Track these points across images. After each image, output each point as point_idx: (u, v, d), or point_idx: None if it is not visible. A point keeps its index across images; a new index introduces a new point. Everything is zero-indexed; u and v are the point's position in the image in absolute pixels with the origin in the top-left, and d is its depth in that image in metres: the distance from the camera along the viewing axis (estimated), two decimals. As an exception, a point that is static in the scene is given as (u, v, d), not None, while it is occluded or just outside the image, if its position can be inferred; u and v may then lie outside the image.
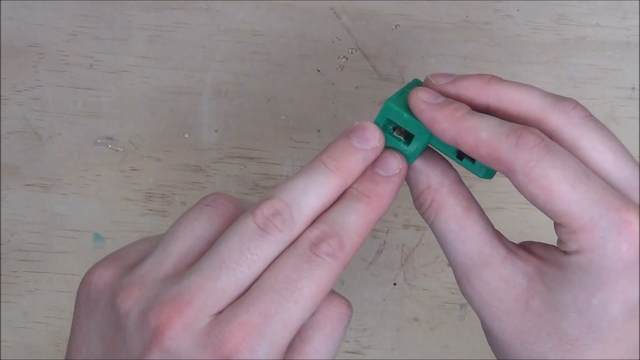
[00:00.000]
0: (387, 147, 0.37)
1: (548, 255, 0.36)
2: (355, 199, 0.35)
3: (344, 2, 0.60)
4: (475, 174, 0.37)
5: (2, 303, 0.59)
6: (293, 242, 0.34)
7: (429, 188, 0.37)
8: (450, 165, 0.38)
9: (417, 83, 0.39)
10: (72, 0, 0.60)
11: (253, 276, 0.34)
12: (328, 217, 0.35)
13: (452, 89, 0.37)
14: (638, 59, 0.59)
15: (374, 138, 0.36)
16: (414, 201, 0.38)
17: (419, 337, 0.58)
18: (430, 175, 0.37)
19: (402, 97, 0.38)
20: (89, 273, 0.36)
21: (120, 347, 0.34)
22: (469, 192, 0.38)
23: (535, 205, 0.34)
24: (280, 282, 0.33)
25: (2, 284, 0.59)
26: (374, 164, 0.37)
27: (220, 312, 0.33)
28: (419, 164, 0.37)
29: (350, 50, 0.60)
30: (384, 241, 0.58)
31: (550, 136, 0.35)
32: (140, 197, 0.59)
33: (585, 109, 0.36)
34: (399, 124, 0.37)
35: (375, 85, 0.59)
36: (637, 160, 0.36)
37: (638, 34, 0.59)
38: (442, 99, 0.36)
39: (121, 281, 0.35)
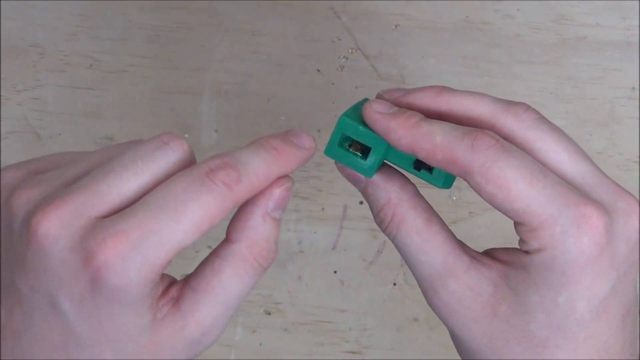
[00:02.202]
0: (341, 164, 0.38)
1: (511, 259, 0.36)
2: (264, 148, 0.36)
3: (344, 2, 0.60)
4: (434, 185, 0.37)
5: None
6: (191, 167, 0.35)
7: (389, 203, 0.37)
8: (408, 179, 0.38)
9: (366, 101, 0.39)
10: (72, 0, 0.60)
11: (139, 187, 0.34)
12: (232, 154, 0.35)
13: (404, 100, 0.37)
14: (638, 59, 0.59)
15: (308, 140, 0.37)
16: (374, 217, 0.38)
17: (419, 337, 0.58)
18: (389, 189, 0.37)
19: (356, 112, 0.38)
20: None
21: (8, 248, 0.34)
22: (428, 204, 0.38)
23: (494, 205, 0.34)
24: (166, 199, 0.33)
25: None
26: (288, 132, 0.37)
27: (101, 219, 0.33)
28: (377, 179, 0.37)
29: (350, 50, 0.60)
30: (384, 241, 0.58)
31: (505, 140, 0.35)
32: (140, 197, 0.60)
33: (536, 112, 0.36)
34: (354, 138, 0.37)
35: (375, 85, 0.59)
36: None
37: (638, 34, 0.59)
38: (395, 108, 0.37)
39: (21, 183, 0.35)
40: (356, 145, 0.37)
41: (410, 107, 0.37)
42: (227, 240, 0.36)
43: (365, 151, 0.37)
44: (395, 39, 0.60)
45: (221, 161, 0.34)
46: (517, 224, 0.35)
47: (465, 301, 0.36)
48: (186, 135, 0.59)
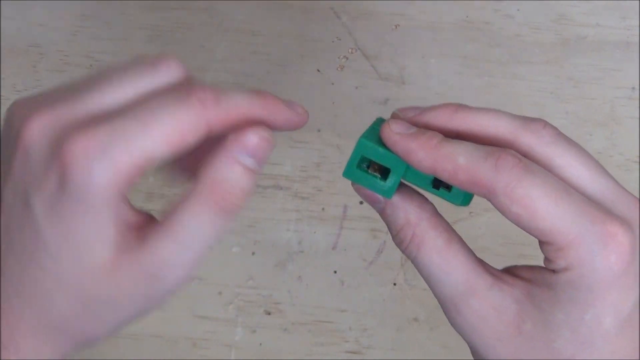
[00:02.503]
0: (359, 185, 0.38)
1: (535, 277, 0.35)
2: (253, 91, 0.36)
3: (344, 2, 0.60)
4: (452, 203, 0.37)
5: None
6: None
7: (409, 223, 0.37)
8: (426, 199, 0.38)
9: (381, 120, 0.39)
10: (72, 0, 0.60)
11: (121, 101, 0.35)
12: (218, 88, 0.35)
13: (421, 120, 0.37)
14: (638, 59, 0.59)
15: (301, 109, 0.37)
16: (393, 238, 0.38)
17: (419, 337, 0.58)
18: (408, 210, 0.37)
19: (373, 133, 0.37)
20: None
21: (3, 154, 0.36)
22: (448, 224, 0.37)
23: (519, 225, 0.34)
24: (141, 109, 0.34)
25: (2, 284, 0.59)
26: (283, 99, 0.37)
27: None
28: (396, 199, 0.37)
29: (350, 50, 0.60)
30: (384, 241, 0.58)
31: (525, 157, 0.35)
32: (140, 197, 0.59)
33: (554, 128, 0.36)
34: (374, 160, 0.37)
35: (375, 85, 0.59)
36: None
37: (638, 34, 0.59)
38: (414, 129, 0.36)
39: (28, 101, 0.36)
40: (374, 166, 0.37)
41: (427, 127, 0.37)
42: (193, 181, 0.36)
43: (383, 172, 0.37)
44: (395, 39, 0.60)
45: (203, 87, 0.35)
46: (542, 243, 0.34)
47: (488, 320, 0.36)
48: (186, 135, 0.59)
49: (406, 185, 0.38)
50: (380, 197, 0.37)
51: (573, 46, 0.59)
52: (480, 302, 0.36)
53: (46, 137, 0.34)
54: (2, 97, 0.60)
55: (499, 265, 0.56)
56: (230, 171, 0.35)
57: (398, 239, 0.37)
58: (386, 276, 0.58)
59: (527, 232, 0.34)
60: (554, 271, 0.34)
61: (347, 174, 0.37)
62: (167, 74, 0.36)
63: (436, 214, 0.37)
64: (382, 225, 0.58)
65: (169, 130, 0.34)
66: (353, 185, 0.38)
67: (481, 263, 0.37)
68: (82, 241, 0.35)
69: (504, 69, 0.59)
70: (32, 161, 0.34)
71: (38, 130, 0.34)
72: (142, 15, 0.60)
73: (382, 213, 0.38)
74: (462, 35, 0.60)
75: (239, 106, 0.35)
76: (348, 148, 0.59)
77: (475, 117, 0.36)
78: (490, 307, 0.36)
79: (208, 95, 0.35)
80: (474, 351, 0.37)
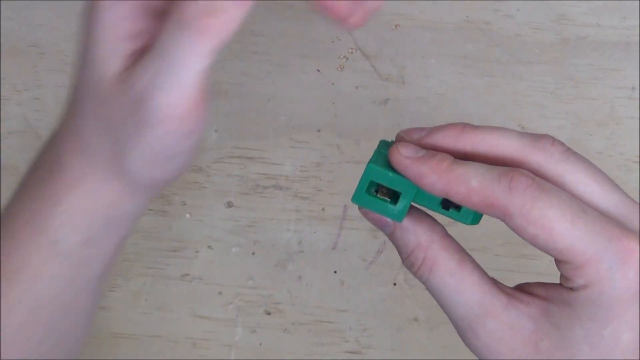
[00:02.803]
0: (367, 210, 0.37)
1: (551, 295, 0.35)
2: None
3: (344, 2, 0.60)
4: (462, 222, 0.37)
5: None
6: None
7: (419, 246, 0.36)
8: (435, 220, 0.38)
9: (385, 142, 0.39)
10: (72, 0, 0.60)
11: None
12: None
13: (427, 142, 0.37)
14: (638, 59, 0.59)
15: None
16: (403, 261, 0.37)
17: (419, 337, 0.58)
18: (418, 232, 0.37)
19: (380, 157, 0.37)
20: None
21: None
22: (459, 244, 0.37)
23: (535, 245, 0.34)
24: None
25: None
26: None
27: None
28: (406, 222, 0.37)
29: (350, 50, 0.60)
30: (384, 241, 0.58)
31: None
32: (140, 197, 0.59)
33: (562, 144, 0.36)
34: (384, 184, 0.36)
35: (375, 85, 0.59)
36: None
37: (638, 34, 0.59)
38: (423, 151, 0.36)
39: None
40: (383, 189, 0.37)
41: (434, 148, 0.36)
42: None
43: (393, 195, 0.36)
44: (395, 39, 0.60)
45: None
46: (559, 262, 0.34)
47: (505, 340, 0.35)
48: (186, 135, 0.59)
49: (415, 207, 0.37)
50: (389, 220, 0.37)
51: (573, 46, 0.59)
52: (497, 322, 0.35)
53: None
54: (2, 97, 0.60)
55: (500, 265, 0.56)
56: None
57: (409, 262, 0.37)
58: (386, 276, 0.58)
59: (543, 251, 0.34)
60: (571, 289, 0.34)
61: (356, 199, 0.37)
62: None
63: (447, 235, 0.37)
64: (382, 225, 0.59)
65: None
66: (360, 209, 0.38)
67: (495, 282, 0.37)
68: (96, 48, 0.37)
69: (504, 69, 0.59)
70: None
71: None
72: (142, 15, 0.60)
73: (391, 236, 0.38)
74: (462, 35, 0.59)
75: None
76: (348, 148, 0.59)
77: (483, 136, 0.36)
78: (506, 327, 0.35)
79: None
80: None
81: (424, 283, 0.37)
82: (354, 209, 0.59)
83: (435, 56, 0.60)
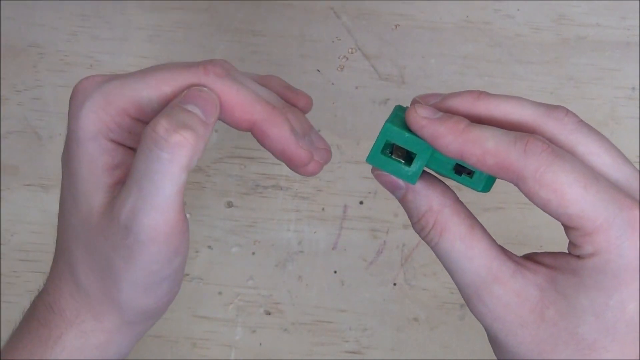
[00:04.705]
0: (380, 171, 0.37)
1: (558, 263, 0.35)
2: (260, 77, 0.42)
3: (344, 2, 0.60)
4: (474, 189, 0.37)
5: (2, 303, 0.59)
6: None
7: (431, 210, 0.37)
8: (448, 186, 0.38)
9: (402, 109, 0.39)
10: (72, 0, 0.60)
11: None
12: (235, 69, 0.40)
13: (442, 106, 0.37)
14: (638, 59, 0.59)
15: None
16: (413, 225, 0.38)
17: (419, 337, 0.58)
18: (431, 196, 0.37)
19: (397, 118, 0.37)
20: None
21: None
22: (469, 211, 0.37)
23: (546, 210, 0.34)
24: (153, 67, 0.38)
25: (2, 284, 0.59)
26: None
27: None
28: (418, 186, 0.37)
29: (350, 50, 0.60)
30: (384, 241, 0.58)
31: None
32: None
33: (576, 116, 0.36)
34: (399, 145, 0.36)
35: (375, 85, 0.59)
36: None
37: (638, 34, 0.59)
38: (440, 113, 0.36)
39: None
40: (398, 151, 0.37)
41: (449, 112, 0.37)
42: None
43: (407, 157, 0.37)
44: (395, 39, 0.60)
45: (223, 63, 0.39)
46: (568, 229, 0.34)
47: (511, 307, 0.36)
48: (186, 135, 0.59)
49: (427, 173, 0.38)
50: (401, 183, 0.37)
51: (573, 46, 0.59)
52: (503, 289, 0.36)
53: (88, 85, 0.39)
54: (2, 97, 0.60)
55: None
56: (176, 114, 0.36)
57: (419, 226, 0.37)
58: (386, 276, 0.58)
59: (554, 217, 0.34)
60: (579, 257, 0.34)
61: (370, 159, 0.37)
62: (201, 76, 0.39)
63: (458, 201, 0.37)
64: (382, 225, 0.59)
65: (162, 80, 0.37)
66: (373, 171, 0.38)
67: (503, 250, 0.37)
68: (81, 183, 0.38)
69: (504, 69, 0.59)
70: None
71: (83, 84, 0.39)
72: (142, 15, 0.60)
73: (402, 200, 0.38)
74: (462, 35, 0.60)
75: (243, 88, 0.38)
76: (348, 148, 0.59)
77: (498, 103, 0.36)
78: (513, 293, 0.36)
79: (217, 69, 0.37)
80: (495, 339, 0.37)
81: (432, 248, 0.37)
82: (354, 209, 0.59)
83: (435, 56, 0.60)
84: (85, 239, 0.39)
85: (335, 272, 0.59)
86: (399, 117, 0.37)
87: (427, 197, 0.37)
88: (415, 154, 0.36)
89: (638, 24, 0.59)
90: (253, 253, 0.59)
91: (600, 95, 0.59)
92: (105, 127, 0.38)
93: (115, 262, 0.38)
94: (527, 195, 0.34)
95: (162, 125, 0.35)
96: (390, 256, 0.58)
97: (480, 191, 0.37)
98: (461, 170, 0.36)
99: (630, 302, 0.34)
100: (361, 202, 0.59)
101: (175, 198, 0.36)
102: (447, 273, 0.60)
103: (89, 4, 0.60)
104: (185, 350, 0.58)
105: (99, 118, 0.38)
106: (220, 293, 0.58)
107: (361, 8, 0.60)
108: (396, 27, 0.60)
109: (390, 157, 0.37)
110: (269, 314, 0.58)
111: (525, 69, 0.59)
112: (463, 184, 0.37)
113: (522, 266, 0.36)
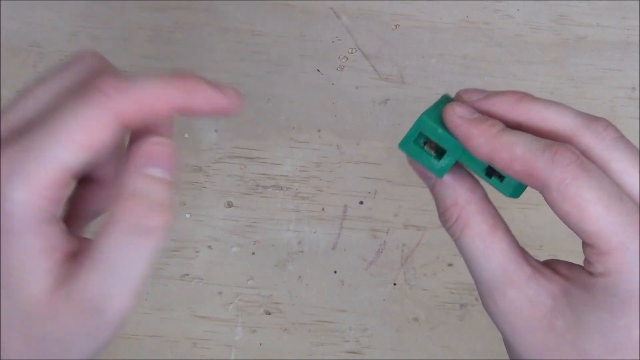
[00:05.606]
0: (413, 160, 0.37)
1: (574, 276, 0.35)
2: (168, 73, 0.35)
3: (344, 2, 0.60)
4: (503, 193, 0.37)
5: (2, 303, 0.59)
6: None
7: (456, 204, 0.37)
8: (478, 182, 0.38)
9: (446, 98, 0.39)
10: (72, 0, 0.60)
11: (38, 108, 0.34)
12: (127, 75, 0.34)
13: (484, 105, 0.37)
14: (638, 59, 0.59)
15: (233, 92, 0.36)
16: (439, 215, 0.38)
17: (419, 337, 0.58)
18: (458, 191, 0.37)
19: (435, 112, 0.37)
20: None
21: None
22: (495, 210, 0.37)
23: (566, 222, 0.34)
24: (47, 116, 0.32)
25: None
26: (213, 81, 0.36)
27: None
28: (447, 179, 0.37)
29: (350, 50, 0.60)
30: (384, 241, 0.58)
31: None
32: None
33: (616, 130, 0.36)
34: (431, 139, 0.37)
35: (375, 85, 0.59)
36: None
37: (638, 34, 0.59)
38: (477, 114, 0.36)
39: None
40: (431, 143, 0.37)
41: (488, 113, 0.37)
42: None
43: (439, 151, 0.37)
44: (395, 39, 0.60)
45: (110, 75, 0.33)
46: (585, 245, 0.34)
47: (522, 312, 0.35)
48: (186, 135, 0.59)
49: (460, 166, 0.38)
50: (430, 174, 0.37)
51: (573, 46, 0.59)
52: (516, 292, 0.36)
53: None
54: (2, 97, 0.60)
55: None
56: (140, 186, 0.33)
57: (443, 218, 0.37)
58: (386, 276, 0.58)
59: (573, 230, 0.34)
60: (591, 274, 0.34)
61: (403, 145, 0.37)
62: (80, 70, 0.34)
63: (485, 198, 0.37)
64: (382, 225, 0.59)
65: (76, 133, 0.32)
66: (408, 158, 0.38)
67: (522, 253, 0.37)
68: (13, 273, 0.32)
69: (504, 69, 0.59)
70: None
71: None
72: (142, 15, 0.60)
73: (431, 190, 0.38)
74: (462, 35, 0.59)
75: (152, 92, 0.33)
76: (348, 148, 0.59)
77: (538, 109, 0.36)
78: (525, 298, 0.35)
79: (111, 85, 0.33)
80: (505, 340, 0.37)
81: (454, 240, 0.37)
82: (354, 209, 0.59)
83: (435, 56, 0.60)
84: (22, 328, 0.34)
85: (335, 272, 0.59)
86: (440, 108, 0.37)
87: (454, 191, 0.37)
88: (446, 151, 0.37)
89: (638, 24, 0.59)
90: (253, 253, 0.59)
91: (600, 95, 0.59)
92: (35, 208, 0.32)
93: (70, 344, 0.34)
94: (550, 205, 0.34)
95: (134, 212, 0.33)
96: (390, 256, 0.58)
97: (509, 196, 0.37)
98: (492, 173, 0.36)
99: (638, 327, 0.33)
100: (361, 202, 0.59)
101: (143, 279, 0.34)
102: (447, 273, 0.60)
103: (89, 4, 0.60)
104: (185, 350, 0.58)
105: (28, 200, 0.32)
106: (220, 293, 0.58)
107: (361, 8, 0.60)
108: (396, 27, 0.60)
109: (422, 147, 0.37)
110: (269, 314, 0.58)
111: (525, 69, 0.59)
112: (493, 187, 0.37)
113: (538, 272, 0.36)
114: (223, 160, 0.59)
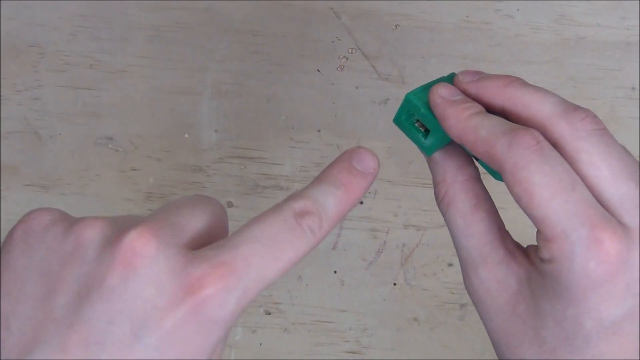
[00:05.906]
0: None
1: (536, 260, 0.35)
2: (335, 185, 0.35)
3: (344, 2, 0.60)
4: (492, 175, 0.37)
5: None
6: (276, 205, 0.34)
7: (444, 181, 0.38)
8: (472, 162, 0.38)
9: (451, 76, 0.40)
10: (72, 0, 0.60)
11: (207, 223, 0.35)
12: (310, 194, 0.35)
13: (473, 88, 0.38)
14: (638, 59, 0.59)
15: (372, 162, 0.37)
16: (433, 189, 0.39)
17: (419, 337, 0.58)
18: (446, 168, 0.38)
19: (427, 91, 0.38)
20: (29, 213, 0.32)
21: (69, 281, 0.30)
22: (483, 191, 0.38)
23: (519, 206, 0.34)
24: (267, 236, 0.33)
25: (2, 284, 0.59)
26: (352, 156, 0.37)
27: (195, 250, 0.32)
28: (438, 156, 0.38)
29: (350, 50, 0.60)
30: (384, 241, 0.58)
31: (554, 145, 0.35)
32: (140, 197, 0.59)
33: (596, 123, 0.35)
34: (417, 117, 0.38)
35: (375, 85, 0.59)
36: (638, 160, 0.35)
37: (638, 34, 0.59)
38: (460, 96, 0.37)
39: (74, 218, 0.32)
40: (421, 122, 0.38)
41: (477, 95, 0.37)
42: None
43: (427, 130, 0.38)
44: (395, 39, 0.60)
45: (304, 205, 0.34)
46: (537, 230, 0.34)
47: (491, 292, 0.36)
48: (186, 135, 0.59)
49: (456, 145, 0.38)
50: None
51: (573, 46, 0.59)
52: (488, 273, 0.36)
53: (165, 259, 0.30)
54: (2, 97, 0.60)
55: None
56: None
57: (435, 192, 0.38)
58: (386, 276, 0.58)
59: (525, 214, 0.34)
60: (542, 259, 0.34)
61: (395, 121, 0.38)
62: (213, 207, 0.37)
63: (473, 178, 0.38)
64: (382, 225, 0.59)
65: (290, 260, 0.33)
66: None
67: (501, 235, 0.37)
68: (196, 354, 0.31)
69: (504, 69, 0.59)
70: (147, 285, 0.30)
71: (155, 248, 0.30)
72: (142, 15, 0.60)
73: (428, 163, 0.39)
74: (462, 35, 0.60)
75: (335, 217, 0.35)
76: (348, 148, 0.59)
77: (522, 94, 0.36)
78: (494, 280, 0.36)
79: (316, 223, 0.34)
80: (480, 318, 0.38)
81: (443, 216, 0.38)
82: (354, 209, 0.59)
83: (435, 56, 0.60)
84: None
85: (335, 272, 0.59)
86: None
87: (442, 168, 0.38)
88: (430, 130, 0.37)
89: (638, 24, 0.59)
90: (253, 253, 0.59)
91: (600, 95, 0.59)
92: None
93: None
94: (506, 186, 0.34)
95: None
96: (390, 256, 0.58)
97: (499, 179, 0.37)
98: None
99: (585, 319, 0.33)
100: (361, 202, 0.59)
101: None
102: (447, 273, 0.60)
103: (89, 4, 0.60)
104: (185, 350, 0.58)
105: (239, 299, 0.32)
106: (220, 293, 0.58)
107: (361, 8, 0.60)
108: (396, 27, 0.60)
109: (413, 124, 0.38)
110: (269, 314, 0.58)
111: (525, 69, 0.59)
112: (484, 168, 0.37)
113: (510, 255, 0.36)
114: (223, 160, 0.59)
